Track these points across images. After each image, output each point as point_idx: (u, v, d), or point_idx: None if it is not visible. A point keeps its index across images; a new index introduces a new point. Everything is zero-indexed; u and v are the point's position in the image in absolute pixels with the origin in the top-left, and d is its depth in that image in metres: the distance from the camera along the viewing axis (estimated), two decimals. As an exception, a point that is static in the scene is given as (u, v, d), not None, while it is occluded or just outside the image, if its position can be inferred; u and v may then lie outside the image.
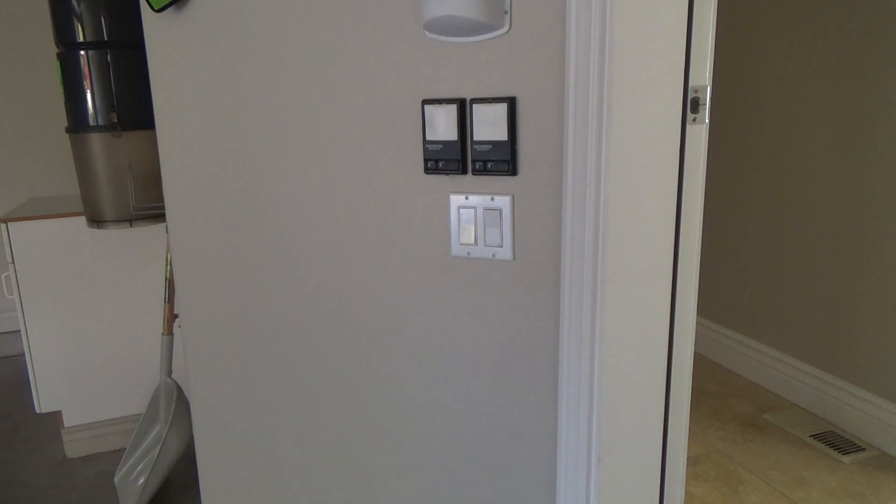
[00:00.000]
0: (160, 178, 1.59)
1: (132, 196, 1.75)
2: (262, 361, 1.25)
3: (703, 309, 2.82)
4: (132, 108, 1.71)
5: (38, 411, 2.14)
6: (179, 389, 1.89)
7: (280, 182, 1.13)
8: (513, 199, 0.94)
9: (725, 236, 2.65)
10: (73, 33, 1.64)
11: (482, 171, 0.94)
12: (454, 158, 0.96)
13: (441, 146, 0.96)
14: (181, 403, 1.88)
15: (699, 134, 0.92)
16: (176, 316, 1.88)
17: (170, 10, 1.15)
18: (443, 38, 0.93)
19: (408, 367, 1.09)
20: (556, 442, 0.99)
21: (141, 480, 1.84)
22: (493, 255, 0.97)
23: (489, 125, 0.92)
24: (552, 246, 0.93)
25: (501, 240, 0.96)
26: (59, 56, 1.68)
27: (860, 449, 2.07)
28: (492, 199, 0.95)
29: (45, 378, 2.11)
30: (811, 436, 2.15)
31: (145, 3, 1.15)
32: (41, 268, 2.03)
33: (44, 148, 3.02)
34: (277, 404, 1.25)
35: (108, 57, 1.66)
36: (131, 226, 1.77)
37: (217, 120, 1.16)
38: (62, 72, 1.68)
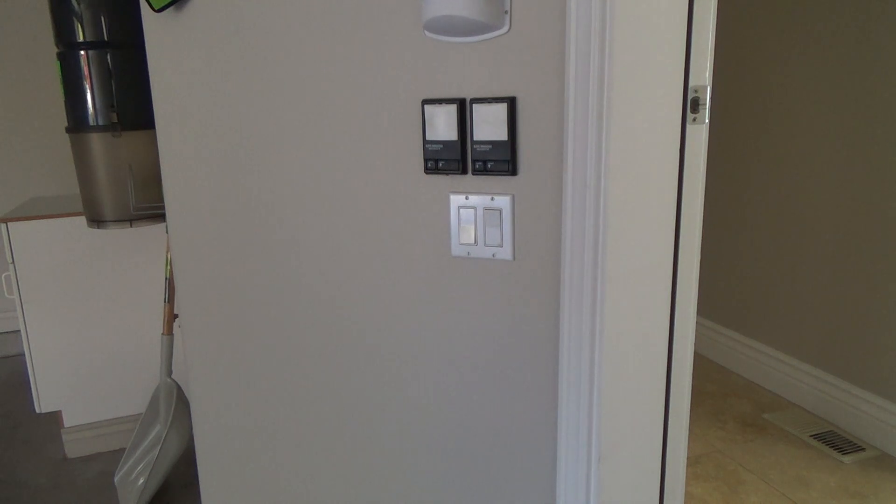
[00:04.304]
0: (160, 178, 1.59)
1: (132, 196, 1.75)
2: (261, 361, 1.25)
3: (703, 309, 2.82)
4: (132, 108, 1.71)
5: (38, 411, 2.14)
6: (179, 389, 1.89)
7: (280, 182, 1.13)
8: (513, 199, 0.94)
9: (725, 236, 2.65)
10: (73, 33, 1.64)
11: (482, 171, 0.94)
12: (454, 158, 0.96)
13: (441, 146, 0.96)
14: (181, 403, 1.88)
15: (699, 134, 0.92)
16: (176, 316, 1.88)
17: (170, 10, 1.15)
18: (443, 38, 0.93)
19: (407, 366, 1.09)
20: (556, 442, 0.99)
21: (141, 480, 1.84)
22: (493, 255, 0.97)
23: (489, 125, 0.92)
24: (552, 246, 0.93)
25: (501, 240, 0.96)
26: (59, 56, 1.68)
27: (860, 449, 2.07)
28: (492, 199, 0.95)
29: (45, 378, 2.11)
30: (811, 436, 2.15)
31: (145, 3, 1.15)
32: (41, 268, 2.03)
33: (44, 148, 3.02)
34: (277, 404, 1.25)
35: (108, 57, 1.66)
36: (131, 226, 1.77)
37: (217, 120, 1.16)
38: (62, 72, 1.68)
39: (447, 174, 0.98)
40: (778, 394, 2.44)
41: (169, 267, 1.88)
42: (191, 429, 1.87)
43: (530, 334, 0.98)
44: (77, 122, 1.70)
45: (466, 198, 0.97)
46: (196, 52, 1.15)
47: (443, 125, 0.95)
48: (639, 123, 0.85)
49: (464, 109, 0.94)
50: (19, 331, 2.90)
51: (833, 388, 2.23)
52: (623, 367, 0.92)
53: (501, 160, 0.93)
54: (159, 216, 1.79)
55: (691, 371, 1.01)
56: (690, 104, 0.89)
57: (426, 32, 0.94)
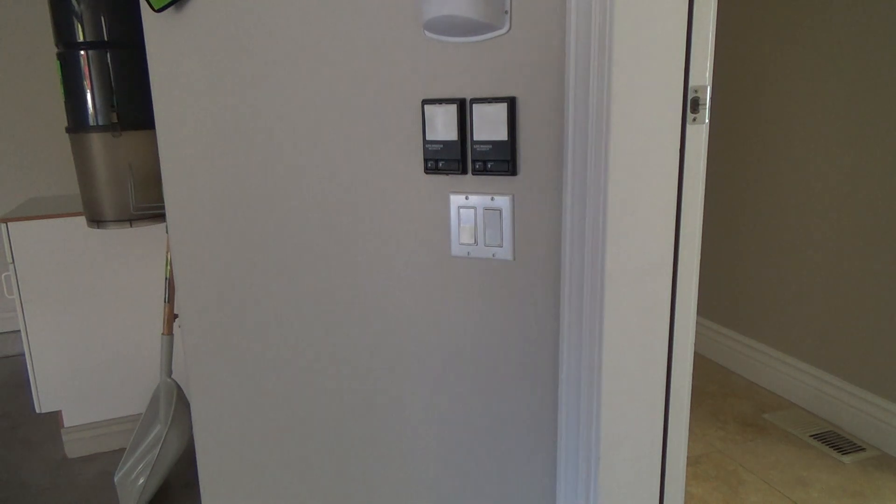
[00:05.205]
0: (160, 178, 1.59)
1: (132, 196, 1.75)
2: (262, 361, 1.25)
3: (703, 309, 2.82)
4: (132, 108, 1.71)
5: (38, 411, 2.14)
6: (179, 389, 1.89)
7: (280, 182, 1.13)
8: (513, 199, 0.94)
9: (725, 236, 2.65)
10: (73, 33, 1.64)
11: (482, 171, 0.94)
12: (454, 158, 0.96)
13: (441, 146, 0.96)
14: (181, 403, 1.88)
15: (699, 134, 0.92)
16: (176, 316, 1.88)
17: (170, 10, 1.15)
18: (443, 38, 0.93)
19: (407, 366, 1.09)
20: (556, 441, 0.99)
21: (141, 480, 1.84)
22: (493, 255, 0.97)
23: (489, 125, 0.92)
24: (552, 246, 0.93)
25: (501, 240, 0.96)
26: (59, 56, 1.68)
27: (860, 449, 2.07)
28: (492, 199, 0.95)
29: (45, 378, 2.11)
30: (811, 436, 2.15)
31: (145, 3, 1.15)
32: (41, 268, 2.03)
33: (44, 148, 3.02)
34: (277, 404, 1.25)
35: (108, 57, 1.66)
36: (131, 226, 1.77)
37: (217, 120, 1.16)
38: (62, 72, 1.68)
39: (447, 174, 0.98)
40: (778, 394, 2.44)
41: (169, 267, 1.88)
42: (191, 429, 1.87)
43: (530, 334, 0.98)
44: (77, 122, 1.70)
45: (466, 198, 0.97)
46: (196, 52, 1.15)
47: (443, 125, 0.95)
48: (639, 123, 0.85)
49: (464, 109, 0.94)
50: (19, 331, 2.90)
51: (833, 388, 2.23)
52: (623, 367, 0.92)
53: (501, 160, 0.93)
54: (159, 216, 1.79)
55: (691, 371, 1.01)
56: (690, 104, 0.89)
57: (426, 32, 0.94)
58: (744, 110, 2.49)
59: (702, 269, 2.79)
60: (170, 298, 1.87)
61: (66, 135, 2.86)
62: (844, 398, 2.19)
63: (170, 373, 1.88)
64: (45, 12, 2.91)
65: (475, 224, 0.97)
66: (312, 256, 1.13)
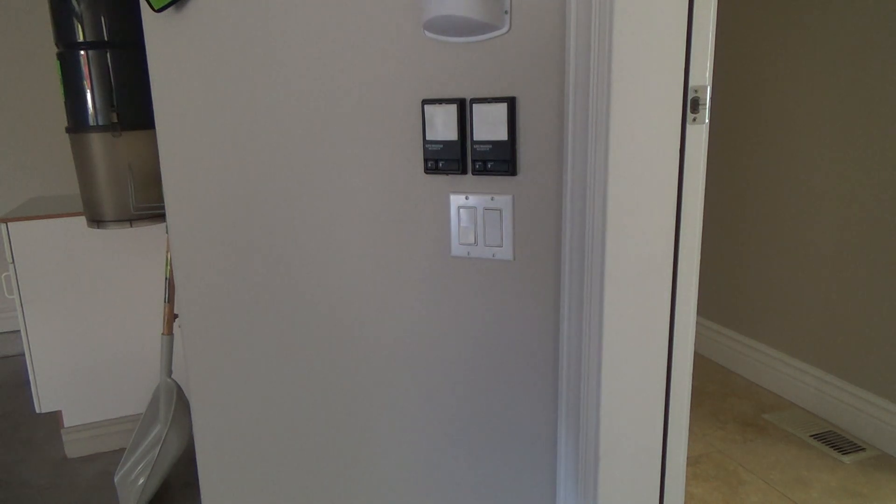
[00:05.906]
0: (160, 178, 1.59)
1: (132, 196, 1.75)
2: (261, 361, 1.25)
3: (703, 309, 2.82)
4: (132, 108, 1.71)
5: (38, 411, 2.14)
6: (179, 389, 1.89)
7: (280, 182, 1.13)
8: (513, 199, 0.94)
9: (725, 236, 2.65)
10: (73, 33, 1.64)
11: (482, 171, 0.94)
12: (454, 158, 0.96)
13: (441, 146, 0.96)
14: (181, 403, 1.88)
15: (699, 134, 0.92)
16: (176, 316, 1.88)
17: (170, 10, 1.15)
18: (443, 38, 0.93)
19: (407, 366, 1.09)
20: (556, 442, 0.99)
21: (141, 480, 1.84)
22: (493, 255, 0.97)
23: (489, 125, 0.92)
24: (552, 246, 0.93)
25: (501, 240, 0.96)
26: (59, 56, 1.68)
27: (860, 449, 2.07)
28: (492, 199, 0.95)
29: (45, 378, 2.11)
30: (811, 436, 2.15)
31: (145, 3, 1.15)
32: (41, 268, 2.03)
33: (44, 148, 3.02)
34: (277, 404, 1.25)
35: (108, 57, 1.66)
36: (131, 226, 1.77)
37: (217, 120, 1.16)
38: (62, 72, 1.68)
39: (447, 174, 0.98)
40: (778, 394, 2.44)
41: (169, 267, 1.88)
42: (191, 429, 1.87)
43: (530, 334, 0.98)
44: (77, 122, 1.70)
45: (466, 198, 0.97)
46: (196, 52, 1.15)
47: (443, 125, 0.95)
48: (639, 123, 0.85)
49: (464, 109, 0.94)
50: (19, 331, 2.90)
51: (833, 388, 2.23)
52: (623, 367, 0.92)
53: (501, 160, 0.93)
54: (159, 216, 1.79)
55: (691, 371, 1.01)
56: (690, 104, 0.89)
57: (426, 32, 0.94)
58: (744, 110, 2.49)
59: (702, 269, 2.79)
60: (170, 298, 1.87)
61: (66, 135, 2.86)
62: (844, 398, 2.19)
63: (170, 373, 1.88)
64: (45, 12, 2.91)
65: (475, 224, 0.97)
66: (312, 256, 1.13)
